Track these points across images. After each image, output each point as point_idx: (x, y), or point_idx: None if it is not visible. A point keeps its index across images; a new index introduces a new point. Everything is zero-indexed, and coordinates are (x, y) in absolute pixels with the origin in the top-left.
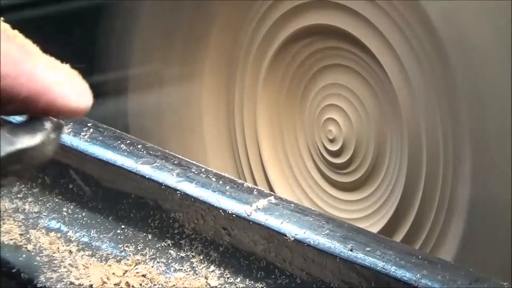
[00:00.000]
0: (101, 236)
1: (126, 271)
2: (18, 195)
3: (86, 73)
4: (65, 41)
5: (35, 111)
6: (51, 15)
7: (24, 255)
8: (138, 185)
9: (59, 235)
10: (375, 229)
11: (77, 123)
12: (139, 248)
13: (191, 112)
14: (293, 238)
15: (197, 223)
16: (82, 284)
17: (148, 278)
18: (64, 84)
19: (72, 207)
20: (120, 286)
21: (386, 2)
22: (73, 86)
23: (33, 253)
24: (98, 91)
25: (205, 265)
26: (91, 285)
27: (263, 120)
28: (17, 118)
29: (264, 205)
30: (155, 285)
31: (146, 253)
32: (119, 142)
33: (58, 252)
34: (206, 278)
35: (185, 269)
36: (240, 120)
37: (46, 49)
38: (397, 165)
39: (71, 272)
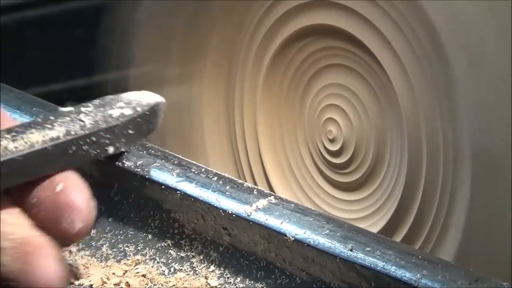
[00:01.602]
0: (101, 236)
1: (126, 271)
2: None
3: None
4: (65, 41)
5: None
6: (51, 15)
7: None
8: (138, 185)
9: None
10: (375, 229)
11: None
12: (139, 248)
13: (191, 112)
14: (293, 238)
15: (197, 223)
16: (82, 284)
17: (148, 278)
18: None
19: None
20: (120, 286)
21: (386, 2)
22: None
23: None
24: (98, 91)
25: (205, 265)
26: (91, 285)
27: (263, 120)
28: None
29: (264, 205)
30: (155, 285)
31: (146, 253)
32: None
33: None
34: (206, 278)
35: (185, 269)
36: (240, 120)
37: (46, 49)
38: (397, 165)
39: (71, 272)
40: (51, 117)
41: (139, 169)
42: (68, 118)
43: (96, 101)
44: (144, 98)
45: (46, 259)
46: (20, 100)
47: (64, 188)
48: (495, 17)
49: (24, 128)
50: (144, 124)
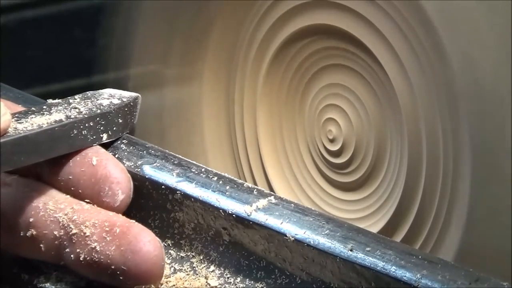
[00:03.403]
0: None
1: None
2: None
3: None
4: (65, 41)
5: None
6: (51, 15)
7: None
8: (138, 185)
9: None
10: (375, 229)
11: None
12: None
13: (191, 112)
14: (293, 238)
15: (197, 223)
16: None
17: None
18: None
19: None
20: None
21: (386, 2)
22: None
23: None
24: None
25: (205, 265)
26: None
27: (263, 120)
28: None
29: (264, 205)
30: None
31: None
32: (118, 142)
33: None
34: (206, 278)
35: (185, 269)
36: (240, 120)
37: (46, 49)
38: (397, 165)
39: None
40: (45, 106)
41: (139, 169)
42: (61, 107)
43: (79, 95)
44: (123, 93)
45: (143, 235)
46: (20, 100)
47: (99, 161)
48: (494, 17)
49: (24, 114)
50: (128, 115)
